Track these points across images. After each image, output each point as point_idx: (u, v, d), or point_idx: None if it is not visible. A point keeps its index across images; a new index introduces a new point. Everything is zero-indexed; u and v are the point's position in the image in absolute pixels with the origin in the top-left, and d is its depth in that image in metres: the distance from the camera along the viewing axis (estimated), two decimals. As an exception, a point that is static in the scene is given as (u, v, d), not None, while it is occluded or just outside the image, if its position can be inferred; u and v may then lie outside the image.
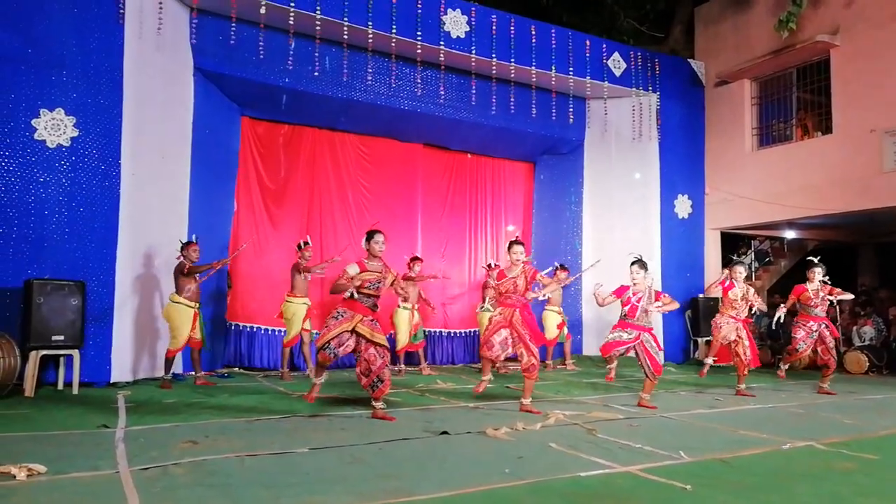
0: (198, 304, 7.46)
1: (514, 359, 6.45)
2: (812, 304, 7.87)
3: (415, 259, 9.58)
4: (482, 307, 9.79)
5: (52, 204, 7.16)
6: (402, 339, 9.29)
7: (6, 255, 6.92)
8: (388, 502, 3.26)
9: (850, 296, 8.15)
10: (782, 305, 8.10)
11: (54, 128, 7.20)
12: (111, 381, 7.23)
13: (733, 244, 14.30)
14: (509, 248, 6.37)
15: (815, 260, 8.05)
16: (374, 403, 5.67)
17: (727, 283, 7.89)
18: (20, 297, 6.79)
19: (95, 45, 7.44)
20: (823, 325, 7.88)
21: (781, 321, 8.07)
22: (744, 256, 14.52)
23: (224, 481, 3.59)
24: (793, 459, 4.42)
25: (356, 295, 5.63)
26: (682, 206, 11.86)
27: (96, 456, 4.09)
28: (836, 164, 10.26)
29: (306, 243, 8.49)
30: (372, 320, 5.70)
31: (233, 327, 9.40)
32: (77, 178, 7.28)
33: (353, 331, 5.62)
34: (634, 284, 6.70)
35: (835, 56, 10.43)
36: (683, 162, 11.92)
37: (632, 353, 6.75)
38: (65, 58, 7.27)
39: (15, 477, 3.52)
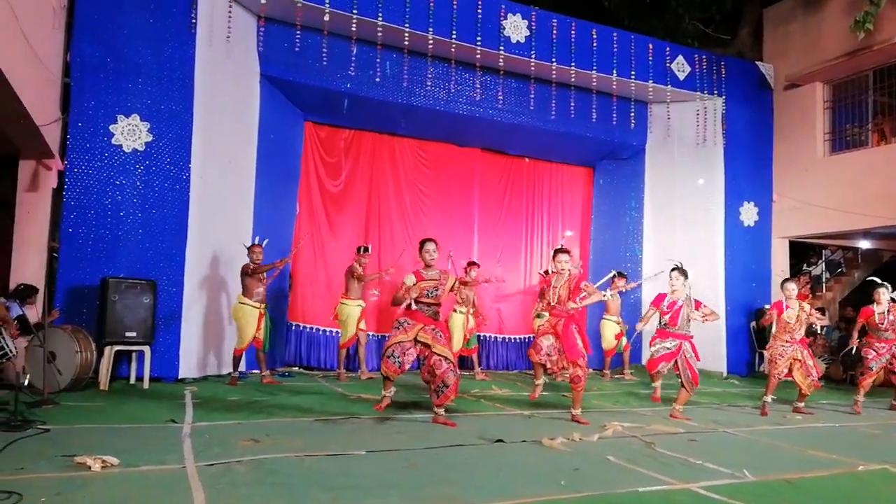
0: (264, 306, 7.69)
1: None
2: (882, 326, 7.50)
3: (471, 264, 9.59)
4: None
5: (127, 206, 7.51)
6: (456, 344, 9.29)
7: (85, 253, 7.30)
8: (444, 509, 3.29)
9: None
10: (854, 335, 7.77)
11: (130, 133, 7.55)
12: (179, 377, 7.50)
13: (802, 253, 13.75)
14: (554, 256, 6.31)
15: (879, 280, 7.68)
16: (435, 409, 5.65)
17: (783, 304, 7.27)
18: (96, 294, 7.14)
19: (169, 54, 7.76)
20: (894, 347, 7.51)
21: (853, 351, 7.75)
22: (814, 267, 13.95)
23: (284, 481, 3.69)
24: (865, 483, 4.23)
25: (414, 305, 5.66)
26: (748, 214, 11.48)
27: (164, 450, 4.27)
28: (917, 172, 9.75)
29: (366, 249, 8.64)
30: (433, 329, 5.66)
31: (293, 328, 9.63)
32: (150, 181, 7.62)
33: (415, 340, 5.62)
34: (673, 292, 6.64)
35: (916, 58, 9.92)
36: (750, 168, 11.53)
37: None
38: (140, 66, 7.62)
39: (90, 468, 3.71)
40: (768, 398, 7.13)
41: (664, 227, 11.41)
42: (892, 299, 7.55)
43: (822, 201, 10.88)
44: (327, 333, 9.74)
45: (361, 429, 5.31)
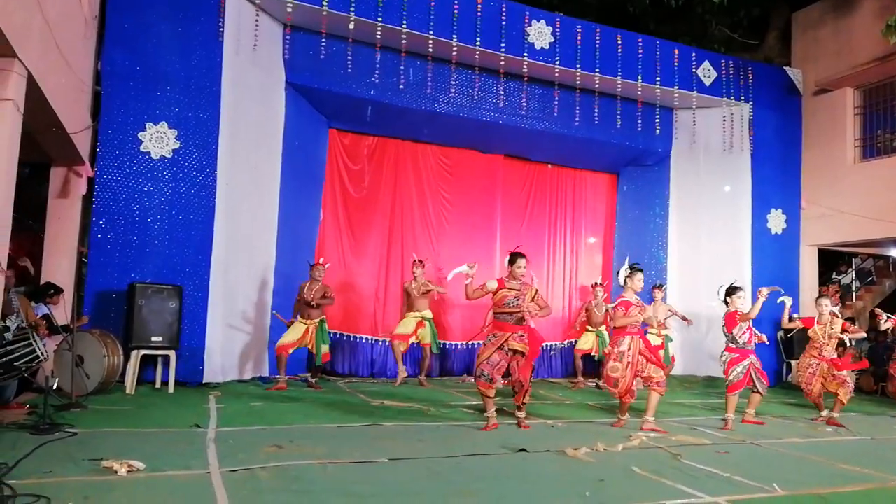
0: (314, 321, 7.89)
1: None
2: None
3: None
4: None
5: (155, 212, 7.61)
6: None
7: (113, 259, 7.42)
8: (467, 520, 3.26)
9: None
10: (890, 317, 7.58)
11: (158, 140, 7.66)
12: (203, 382, 7.57)
13: (832, 262, 13.49)
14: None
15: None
16: (517, 413, 5.96)
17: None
18: (124, 299, 7.24)
19: (197, 62, 7.86)
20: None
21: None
22: (843, 275, 13.65)
23: (307, 488, 3.69)
24: (899, 499, 4.11)
25: (498, 316, 5.87)
26: (776, 221, 11.29)
27: (189, 455, 4.30)
28: (951, 179, 9.51)
29: (418, 261, 9.09)
30: (521, 335, 5.81)
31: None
32: (177, 188, 7.72)
33: (505, 349, 5.76)
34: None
35: (950, 62, 9.69)
36: (778, 174, 11.35)
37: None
38: (169, 74, 7.73)
39: (117, 472, 3.75)
40: (824, 413, 7.15)
41: (690, 235, 11.27)
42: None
43: (853, 208, 10.66)
44: (351, 339, 9.78)
45: (384, 436, 5.30)
